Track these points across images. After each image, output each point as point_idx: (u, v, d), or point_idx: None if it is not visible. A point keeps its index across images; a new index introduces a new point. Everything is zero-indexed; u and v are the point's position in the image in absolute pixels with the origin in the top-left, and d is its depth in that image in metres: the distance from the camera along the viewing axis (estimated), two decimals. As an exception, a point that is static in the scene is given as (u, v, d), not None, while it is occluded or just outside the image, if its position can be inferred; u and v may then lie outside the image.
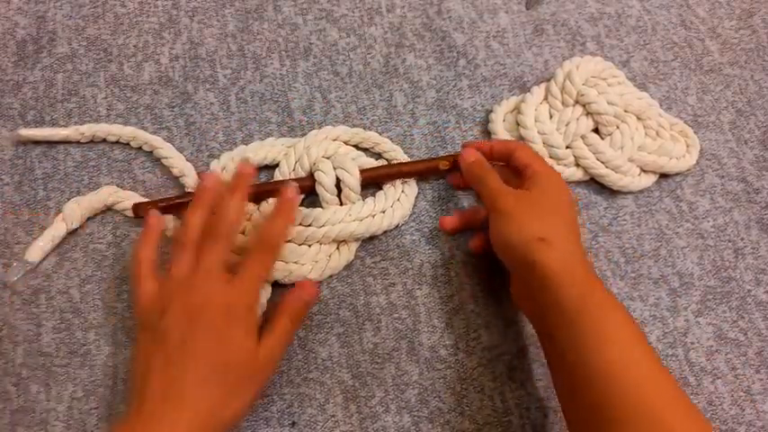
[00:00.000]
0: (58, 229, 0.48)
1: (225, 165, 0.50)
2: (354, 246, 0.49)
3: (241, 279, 0.39)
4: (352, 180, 0.49)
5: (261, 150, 0.51)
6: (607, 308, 0.38)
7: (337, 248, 0.49)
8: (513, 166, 0.47)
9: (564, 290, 0.38)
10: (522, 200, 0.43)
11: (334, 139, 0.52)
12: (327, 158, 0.50)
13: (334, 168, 0.49)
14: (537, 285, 0.40)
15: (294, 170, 0.50)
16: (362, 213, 0.48)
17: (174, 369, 0.36)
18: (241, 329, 0.38)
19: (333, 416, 0.45)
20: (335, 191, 0.49)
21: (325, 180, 0.49)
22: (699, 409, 0.36)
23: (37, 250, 0.47)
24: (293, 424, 0.44)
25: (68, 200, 0.50)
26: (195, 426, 0.34)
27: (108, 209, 0.50)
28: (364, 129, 0.54)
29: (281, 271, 0.47)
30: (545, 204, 0.43)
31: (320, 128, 0.53)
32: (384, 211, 0.50)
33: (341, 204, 0.49)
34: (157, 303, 0.39)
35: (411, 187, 0.51)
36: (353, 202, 0.49)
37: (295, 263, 0.47)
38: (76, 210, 0.48)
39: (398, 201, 0.50)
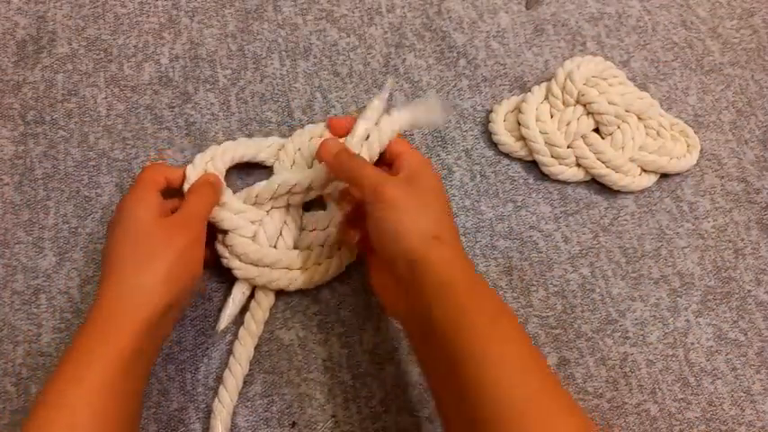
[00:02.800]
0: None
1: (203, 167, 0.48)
2: (355, 246, 0.49)
3: None
4: None
5: (239, 148, 0.50)
6: (492, 319, 0.36)
7: (339, 249, 0.48)
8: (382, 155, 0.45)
9: (451, 294, 0.36)
10: (408, 191, 0.40)
11: (320, 137, 0.50)
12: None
13: None
14: (419, 281, 0.37)
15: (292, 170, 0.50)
16: None
17: (105, 265, 0.40)
18: (138, 210, 0.41)
19: (333, 416, 0.45)
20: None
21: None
22: (569, 398, 0.35)
23: None
24: (293, 424, 0.44)
25: (68, 200, 0.50)
26: (120, 290, 0.38)
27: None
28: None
29: (283, 280, 0.46)
30: (430, 198, 0.41)
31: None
32: None
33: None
34: None
35: None
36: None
37: (298, 269, 0.47)
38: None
39: None
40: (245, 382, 0.45)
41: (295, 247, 0.47)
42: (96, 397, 0.34)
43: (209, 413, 0.44)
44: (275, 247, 0.46)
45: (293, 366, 0.46)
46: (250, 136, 0.54)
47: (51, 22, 0.58)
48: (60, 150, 0.52)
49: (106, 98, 0.55)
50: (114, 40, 0.57)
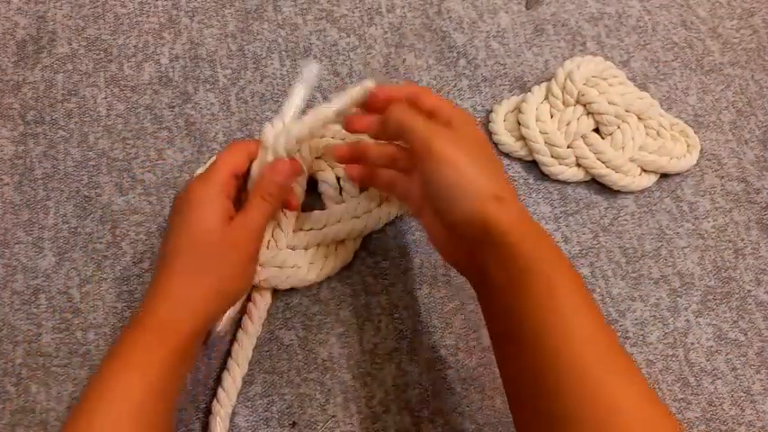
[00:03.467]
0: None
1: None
2: (352, 245, 0.49)
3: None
4: None
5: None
6: (556, 265, 0.36)
7: (335, 249, 0.48)
8: (420, 111, 0.41)
9: (515, 248, 0.35)
10: (461, 145, 0.38)
11: (321, 137, 0.50)
12: (319, 158, 0.50)
13: (331, 167, 0.49)
14: (487, 242, 0.36)
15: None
16: (359, 210, 0.48)
17: (160, 265, 0.39)
18: (203, 212, 0.39)
19: (333, 416, 0.45)
20: (338, 187, 0.49)
21: (329, 178, 0.48)
22: (638, 371, 0.35)
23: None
24: (293, 424, 0.44)
25: (67, 200, 0.50)
26: (172, 303, 0.37)
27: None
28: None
29: (277, 277, 0.46)
30: (482, 153, 0.39)
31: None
32: (380, 205, 0.49)
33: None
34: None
35: None
36: (353, 196, 0.49)
37: (292, 267, 0.47)
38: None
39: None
40: (245, 382, 0.45)
41: (290, 248, 0.47)
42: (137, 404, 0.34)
43: (209, 413, 0.44)
44: (267, 248, 0.46)
45: (293, 366, 0.46)
46: (250, 136, 0.54)
47: (51, 22, 0.58)
48: (60, 150, 0.52)
49: (106, 98, 0.55)
50: (114, 40, 0.57)
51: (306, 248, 0.47)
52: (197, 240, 0.39)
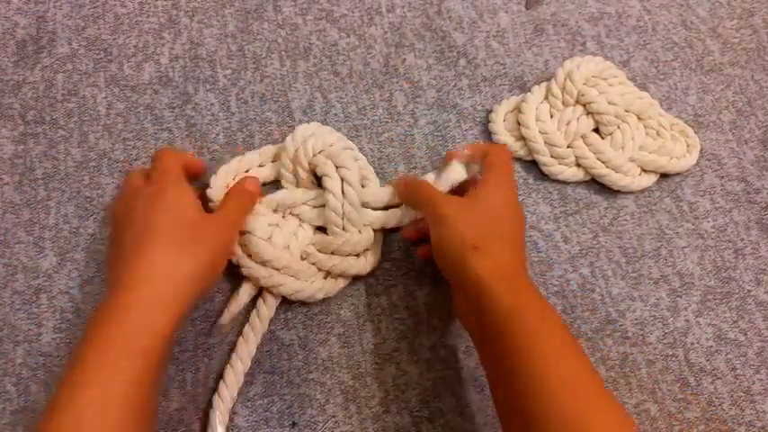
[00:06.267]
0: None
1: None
2: (372, 258, 0.49)
3: None
4: (355, 180, 0.48)
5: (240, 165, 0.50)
6: (538, 316, 0.38)
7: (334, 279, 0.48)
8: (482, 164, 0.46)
9: (495, 298, 0.38)
10: (463, 206, 0.43)
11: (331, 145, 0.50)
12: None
13: (337, 168, 0.48)
14: (472, 294, 0.40)
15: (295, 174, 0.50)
16: (366, 239, 0.48)
17: (131, 247, 0.39)
18: (183, 197, 0.41)
19: (333, 416, 0.45)
20: (342, 199, 0.47)
21: (334, 185, 0.47)
22: (623, 409, 0.36)
23: None
24: (293, 424, 0.44)
25: (68, 200, 0.50)
26: (154, 272, 0.37)
27: None
28: (364, 128, 0.54)
29: (286, 287, 0.46)
30: (487, 210, 0.43)
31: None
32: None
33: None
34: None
35: None
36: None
37: (302, 281, 0.47)
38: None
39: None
40: (245, 383, 0.45)
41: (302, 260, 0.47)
42: (133, 370, 0.34)
43: (209, 411, 0.44)
44: (288, 248, 0.47)
45: (293, 366, 0.46)
46: (250, 136, 0.54)
47: (51, 22, 0.58)
48: (60, 150, 0.52)
49: (106, 98, 0.55)
50: (114, 40, 0.57)
51: (316, 266, 0.47)
52: (184, 220, 0.40)
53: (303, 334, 0.47)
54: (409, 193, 0.47)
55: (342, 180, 0.47)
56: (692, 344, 0.49)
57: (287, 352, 0.47)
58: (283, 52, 0.58)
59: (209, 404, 0.44)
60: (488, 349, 0.39)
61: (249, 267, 0.46)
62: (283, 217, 0.48)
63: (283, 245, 0.46)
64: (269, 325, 0.47)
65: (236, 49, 0.58)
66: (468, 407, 0.45)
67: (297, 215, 0.48)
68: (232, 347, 0.46)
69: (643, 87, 0.58)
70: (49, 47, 0.57)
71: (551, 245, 0.52)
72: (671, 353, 0.48)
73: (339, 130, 0.54)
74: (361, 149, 0.53)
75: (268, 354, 0.46)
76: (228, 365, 0.45)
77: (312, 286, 0.47)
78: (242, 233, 0.46)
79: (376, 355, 0.47)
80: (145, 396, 0.35)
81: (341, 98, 0.56)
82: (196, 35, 0.58)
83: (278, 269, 0.46)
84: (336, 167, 0.48)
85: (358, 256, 0.48)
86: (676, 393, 0.47)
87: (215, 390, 0.44)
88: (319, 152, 0.49)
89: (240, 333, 0.46)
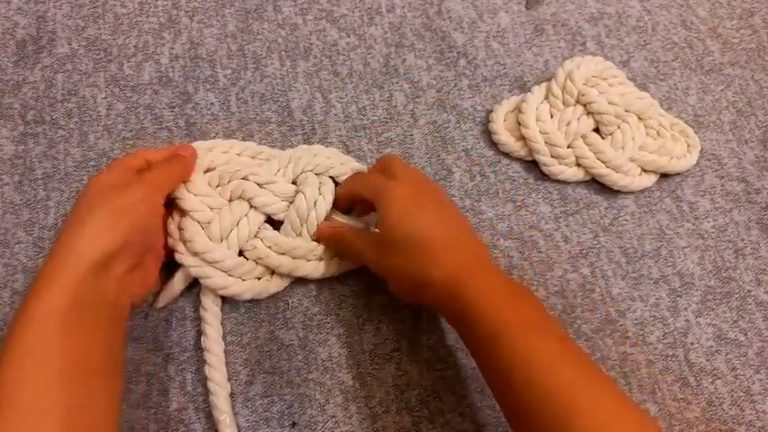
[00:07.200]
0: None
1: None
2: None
3: None
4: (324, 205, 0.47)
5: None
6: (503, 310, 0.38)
7: (271, 275, 0.47)
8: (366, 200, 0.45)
9: (475, 318, 0.38)
10: (411, 192, 0.42)
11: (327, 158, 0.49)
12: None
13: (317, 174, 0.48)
14: (453, 321, 0.41)
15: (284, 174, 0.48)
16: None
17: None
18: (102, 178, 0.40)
19: (333, 416, 0.45)
20: (306, 218, 0.46)
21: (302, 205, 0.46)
22: (631, 400, 0.36)
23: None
24: (293, 424, 0.44)
25: (68, 200, 0.50)
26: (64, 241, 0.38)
27: None
28: (364, 128, 0.54)
29: (286, 265, 0.46)
30: (401, 239, 0.41)
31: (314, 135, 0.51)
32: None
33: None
34: None
35: None
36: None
37: (236, 277, 0.45)
38: None
39: None
40: (245, 383, 0.45)
41: (242, 253, 0.46)
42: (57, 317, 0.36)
43: (209, 413, 0.44)
44: (227, 239, 0.44)
45: (293, 366, 0.46)
46: (251, 136, 0.54)
47: (51, 22, 0.58)
48: (60, 150, 0.52)
49: (106, 98, 0.55)
50: (114, 40, 0.57)
51: (255, 262, 0.46)
52: (89, 194, 0.40)
53: (303, 334, 0.47)
54: (336, 245, 0.47)
55: (319, 190, 0.47)
56: (692, 344, 0.49)
57: (287, 352, 0.47)
58: (283, 52, 0.58)
59: (210, 409, 0.44)
60: (481, 359, 0.40)
61: (180, 254, 0.44)
62: (230, 200, 0.45)
63: (223, 234, 0.44)
64: (269, 325, 0.47)
65: (236, 49, 0.58)
66: (468, 407, 0.45)
67: (248, 200, 0.45)
68: (227, 351, 0.46)
69: (643, 87, 0.58)
70: (49, 47, 0.57)
71: (551, 245, 0.52)
72: (671, 353, 0.48)
73: (339, 130, 0.54)
74: (360, 149, 0.54)
75: (268, 354, 0.46)
76: (206, 365, 0.44)
77: (242, 285, 0.45)
78: (183, 213, 0.45)
79: (376, 355, 0.47)
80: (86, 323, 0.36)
81: (341, 98, 0.56)
82: (196, 35, 0.58)
83: (209, 263, 0.44)
84: (317, 175, 0.48)
85: (309, 260, 0.47)
86: (676, 393, 0.47)
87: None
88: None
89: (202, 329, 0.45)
